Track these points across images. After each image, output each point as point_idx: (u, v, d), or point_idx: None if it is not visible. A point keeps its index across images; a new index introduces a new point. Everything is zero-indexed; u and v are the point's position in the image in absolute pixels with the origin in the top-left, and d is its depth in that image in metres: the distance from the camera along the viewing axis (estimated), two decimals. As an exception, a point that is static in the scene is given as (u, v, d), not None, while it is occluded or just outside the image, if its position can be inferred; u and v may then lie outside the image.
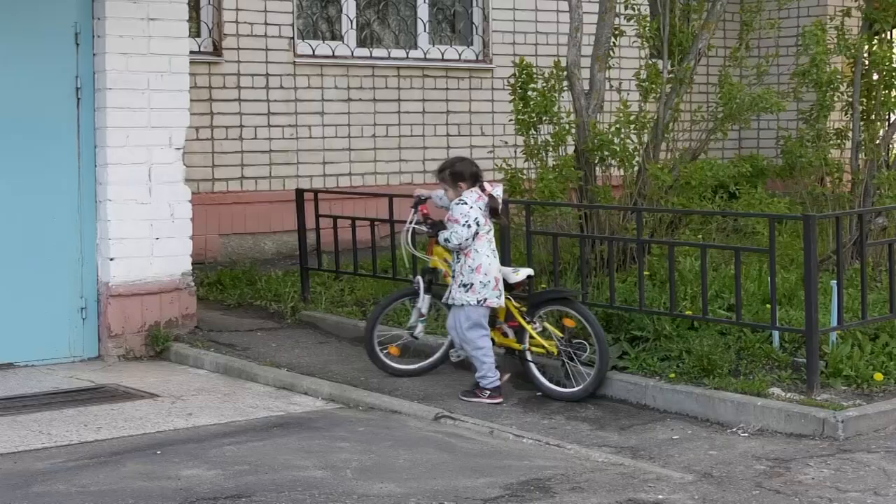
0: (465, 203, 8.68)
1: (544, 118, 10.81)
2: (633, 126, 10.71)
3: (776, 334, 8.83)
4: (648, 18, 11.52)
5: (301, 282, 11.43)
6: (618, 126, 10.62)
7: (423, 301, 9.16)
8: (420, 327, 9.20)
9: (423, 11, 14.40)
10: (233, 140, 13.15)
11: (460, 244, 8.64)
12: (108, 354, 9.89)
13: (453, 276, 8.77)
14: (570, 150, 11.06)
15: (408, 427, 8.01)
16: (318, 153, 13.63)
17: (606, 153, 10.62)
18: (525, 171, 11.03)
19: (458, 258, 8.74)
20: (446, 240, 8.69)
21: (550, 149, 10.87)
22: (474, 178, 8.79)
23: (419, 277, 9.21)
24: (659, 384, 8.48)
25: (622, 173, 11.04)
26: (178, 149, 10.13)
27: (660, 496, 6.61)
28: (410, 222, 9.23)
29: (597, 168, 10.92)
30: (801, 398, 8.00)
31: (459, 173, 8.81)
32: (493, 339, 8.82)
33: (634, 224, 9.76)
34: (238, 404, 8.58)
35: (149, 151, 9.98)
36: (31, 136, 9.66)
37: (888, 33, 12.11)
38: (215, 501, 6.51)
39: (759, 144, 16.39)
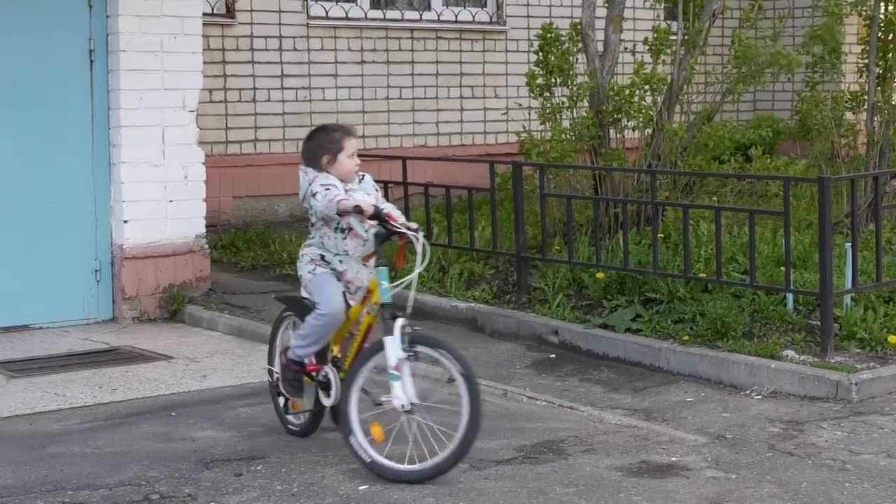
0: None
1: (558, 80, 10.77)
2: (648, 87, 10.66)
3: (790, 297, 8.81)
4: (663, -21, 11.46)
5: (314, 244, 11.41)
6: (632, 89, 10.58)
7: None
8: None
9: (436, -27, 14.35)
10: (246, 102, 13.14)
11: None
12: (122, 316, 9.91)
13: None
14: (584, 112, 11.03)
15: (421, 389, 8.00)
16: (332, 115, 13.60)
17: (622, 114, 10.58)
18: (539, 134, 11.01)
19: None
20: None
21: (566, 110, 10.84)
22: None
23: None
24: (672, 346, 8.47)
25: (636, 135, 11.01)
26: (192, 111, 10.13)
27: (673, 458, 6.62)
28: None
29: (611, 130, 10.90)
30: (814, 361, 8.00)
31: None
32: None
33: (649, 186, 9.74)
34: (252, 366, 8.60)
35: (162, 113, 9.97)
36: (45, 99, 9.67)
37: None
38: (230, 463, 6.53)
39: (773, 106, 16.33)
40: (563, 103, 10.83)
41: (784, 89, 15.32)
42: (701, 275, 9.23)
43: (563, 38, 10.82)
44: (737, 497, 6.04)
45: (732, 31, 11.65)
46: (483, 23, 14.77)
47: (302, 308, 6.84)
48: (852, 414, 7.37)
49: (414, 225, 6.56)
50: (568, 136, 10.67)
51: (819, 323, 8.29)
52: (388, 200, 10.82)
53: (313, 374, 6.76)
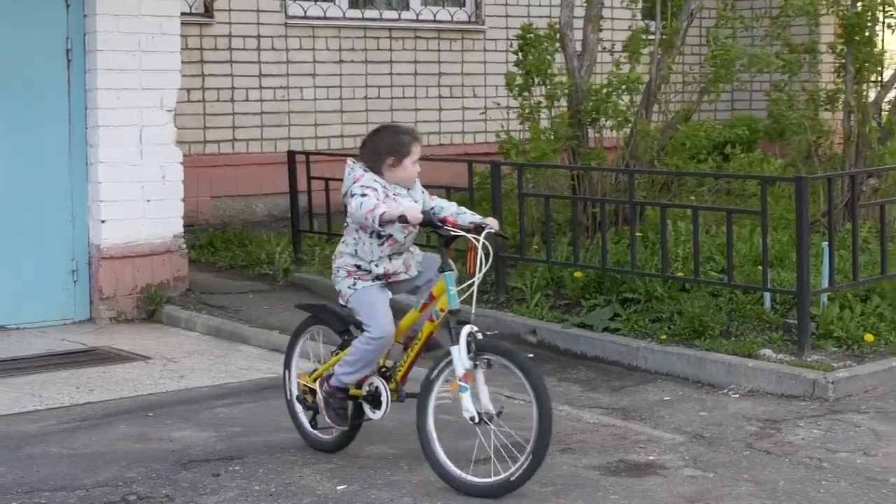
0: None
1: (537, 79, 10.79)
2: (624, 87, 10.68)
3: (767, 296, 8.84)
4: (641, -21, 11.50)
5: (293, 244, 11.42)
6: (609, 89, 10.59)
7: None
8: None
9: (415, -28, 14.35)
10: (224, 102, 13.12)
11: None
12: (99, 317, 9.88)
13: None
14: (562, 111, 11.04)
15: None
16: (310, 115, 13.61)
17: (599, 114, 10.60)
18: (519, 133, 11.02)
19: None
20: None
21: (544, 110, 10.85)
22: None
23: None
24: (650, 346, 8.49)
25: (614, 135, 11.03)
26: (170, 111, 10.11)
27: (651, 457, 6.63)
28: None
29: (589, 129, 10.91)
30: (791, 359, 8.02)
31: None
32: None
33: (627, 186, 9.75)
34: (230, 366, 8.59)
35: (140, 113, 9.95)
36: (22, 99, 9.63)
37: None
38: (207, 463, 6.52)
39: (751, 106, 16.36)
40: (540, 103, 10.83)
41: (761, 89, 15.35)
42: (679, 274, 9.25)
43: (542, 38, 10.83)
44: (714, 496, 6.06)
45: (708, 31, 11.68)
46: (461, 22, 14.77)
47: (336, 319, 6.58)
48: (829, 412, 7.39)
49: (490, 220, 6.29)
50: (546, 135, 10.68)
51: (796, 322, 8.31)
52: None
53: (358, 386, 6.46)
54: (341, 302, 6.49)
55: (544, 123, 10.89)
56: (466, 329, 6.03)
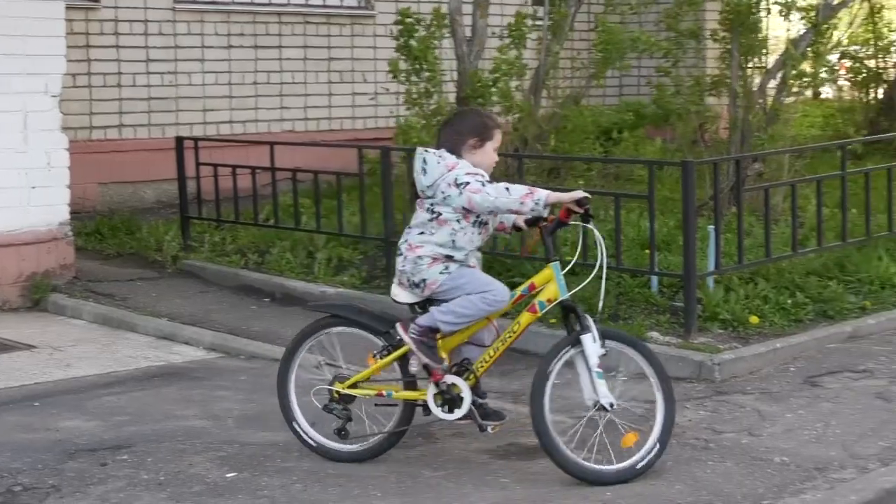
0: None
1: (423, 66, 10.80)
2: (512, 72, 10.73)
3: (655, 279, 8.94)
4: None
5: (182, 231, 11.33)
6: (496, 75, 10.63)
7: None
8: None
9: (303, -43, 14.29)
10: (111, 87, 12.97)
11: None
12: (-17, 306, 9.74)
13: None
14: (453, 97, 11.07)
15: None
16: (199, 100, 13.50)
17: (485, 100, 10.64)
18: (409, 119, 11.03)
19: None
20: None
21: (431, 95, 10.86)
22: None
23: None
24: (539, 330, 8.51)
25: (504, 120, 11.07)
26: (55, 96, 9.97)
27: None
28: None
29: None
30: (678, 342, 8.12)
31: None
32: None
33: (516, 171, 9.79)
34: (117, 355, 8.50)
35: (24, 99, 9.80)
36: None
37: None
38: (95, 453, 6.45)
39: (639, 91, 16.53)
40: (425, 89, 10.84)
41: (649, 75, 15.52)
42: (567, 258, 9.30)
43: (425, 23, 10.83)
44: (602, 477, 6.11)
45: (596, 17, 11.78)
46: (351, 7, 14.74)
47: (375, 319, 6.28)
48: (715, 394, 7.50)
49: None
50: (433, 121, 10.69)
51: (683, 304, 8.42)
52: (255, 186, 10.87)
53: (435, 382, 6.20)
54: (421, 295, 6.15)
55: (432, 107, 10.90)
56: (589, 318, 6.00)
